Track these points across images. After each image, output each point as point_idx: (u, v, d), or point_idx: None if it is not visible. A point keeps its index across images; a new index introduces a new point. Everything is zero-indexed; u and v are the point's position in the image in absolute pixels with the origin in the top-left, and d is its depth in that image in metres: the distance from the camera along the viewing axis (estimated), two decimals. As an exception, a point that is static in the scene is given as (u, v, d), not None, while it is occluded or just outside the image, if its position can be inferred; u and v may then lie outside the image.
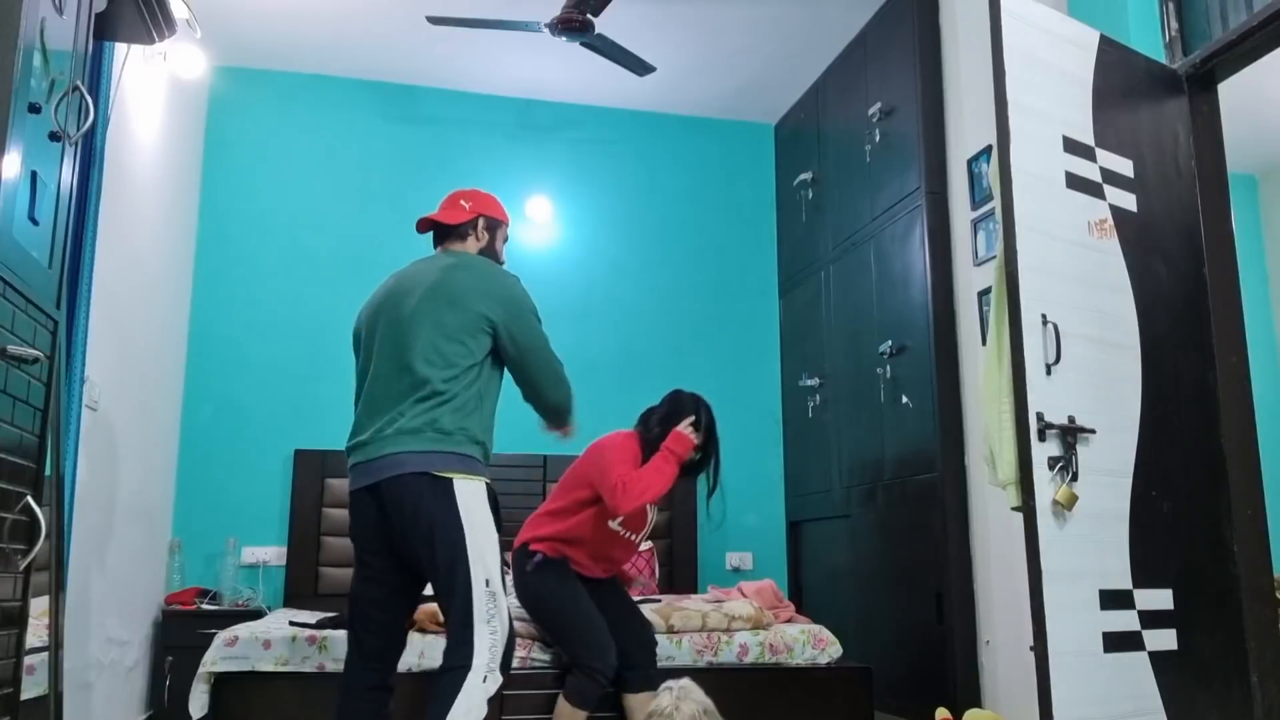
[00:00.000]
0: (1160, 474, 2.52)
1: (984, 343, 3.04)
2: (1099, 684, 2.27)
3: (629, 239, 5.16)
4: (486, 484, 2.44)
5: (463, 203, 2.79)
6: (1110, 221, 2.61)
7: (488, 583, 2.32)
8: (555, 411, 2.65)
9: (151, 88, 3.79)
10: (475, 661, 2.26)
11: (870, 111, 4.20)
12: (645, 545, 4.49)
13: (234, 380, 4.55)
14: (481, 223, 2.77)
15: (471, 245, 2.75)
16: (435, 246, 2.81)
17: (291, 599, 4.34)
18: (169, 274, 4.22)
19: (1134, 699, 2.33)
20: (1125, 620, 2.36)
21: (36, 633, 1.97)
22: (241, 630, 3.19)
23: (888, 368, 3.98)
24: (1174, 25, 3.01)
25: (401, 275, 2.69)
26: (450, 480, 2.35)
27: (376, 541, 2.44)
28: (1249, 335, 2.86)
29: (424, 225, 2.80)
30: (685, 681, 2.79)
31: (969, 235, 3.58)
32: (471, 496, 2.37)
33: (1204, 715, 2.44)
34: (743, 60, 4.79)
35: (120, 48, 3.10)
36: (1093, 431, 2.40)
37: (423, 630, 3.24)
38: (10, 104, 1.57)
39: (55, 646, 2.04)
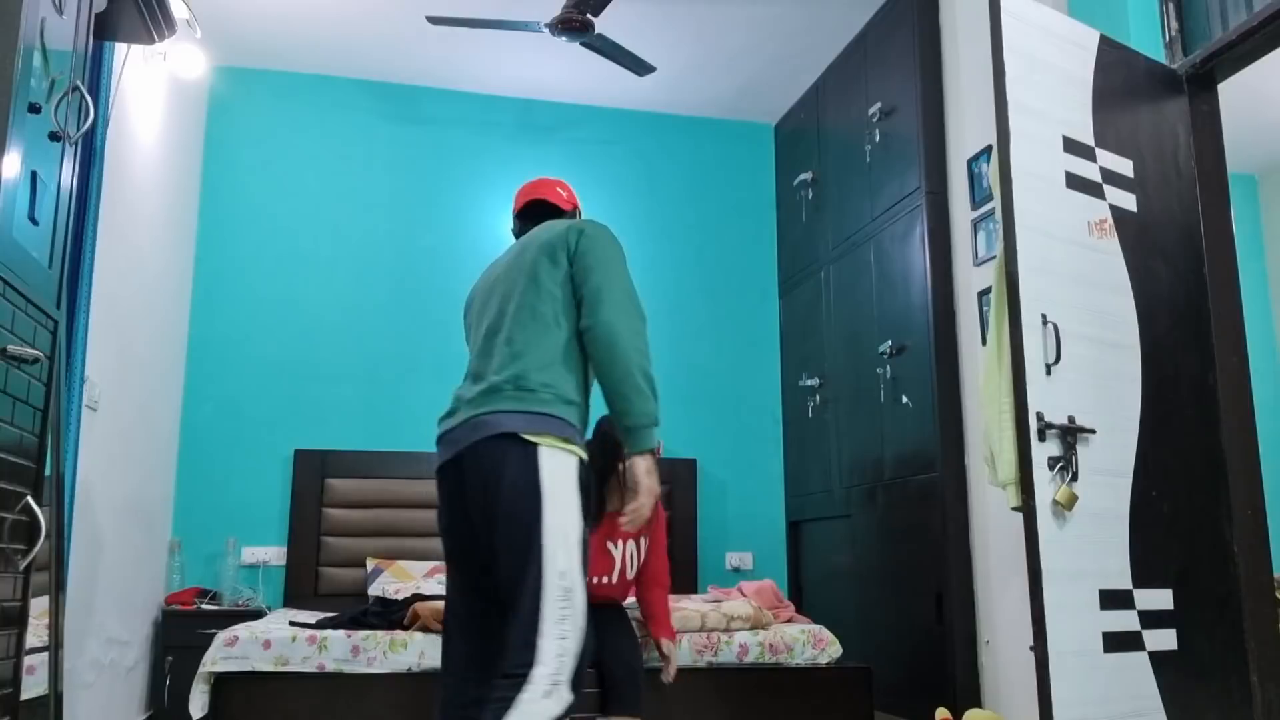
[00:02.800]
0: (1160, 474, 2.52)
1: (984, 343, 3.04)
2: (1099, 684, 2.27)
3: (629, 239, 5.08)
4: (580, 458, 2.04)
5: (559, 190, 2.54)
6: (1110, 221, 2.61)
7: (563, 575, 1.91)
8: (627, 381, 2.05)
9: (151, 88, 3.79)
10: (537, 671, 1.84)
11: (870, 111, 4.20)
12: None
13: (234, 380, 4.55)
14: (579, 216, 2.53)
15: None
16: (520, 235, 2.50)
17: (291, 599, 4.34)
18: (169, 274, 4.22)
19: (1134, 699, 2.33)
20: (1125, 620, 2.36)
21: (36, 633, 1.96)
22: (241, 630, 3.19)
23: (888, 368, 3.98)
24: (1174, 25, 3.01)
25: (499, 258, 2.44)
26: (535, 446, 1.96)
27: (463, 523, 2.07)
28: (1249, 335, 2.86)
29: (528, 203, 2.51)
30: None
31: (969, 235, 3.58)
32: (559, 468, 1.98)
33: (1204, 715, 2.44)
34: (743, 60, 4.79)
35: (120, 48, 3.10)
36: (1093, 431, 2.40)
37: (425, 629, 3.24)
38: (10, 104, 1.58)
39: (55, 646, 2.04)
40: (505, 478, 1.96)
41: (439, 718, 2.10)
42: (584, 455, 2.07)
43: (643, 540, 3.22)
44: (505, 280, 2.26)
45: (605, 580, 3.16)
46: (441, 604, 3.30)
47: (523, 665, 1.85)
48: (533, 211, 2.51)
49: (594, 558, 3.11)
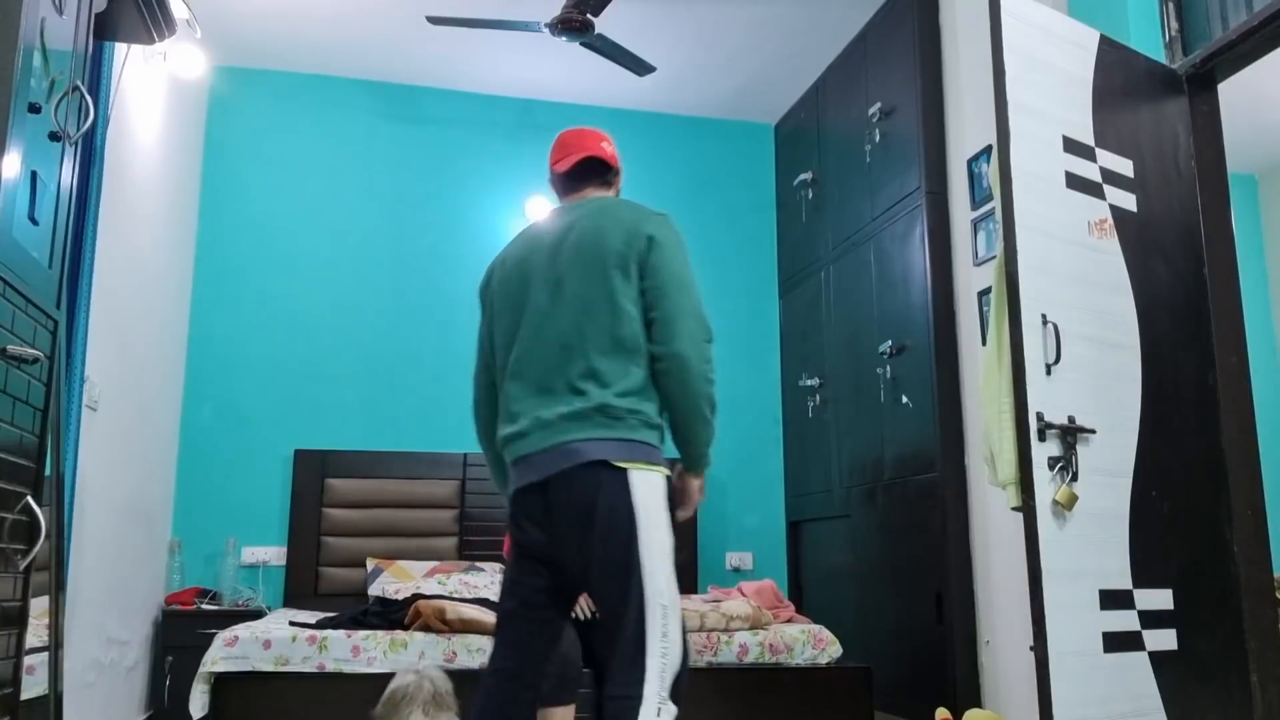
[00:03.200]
0: (1160, 474, 2.52)
1: (984, 343, 3.04)
2: (1099, 684, 2.27)
3: (629, 239, 5.16)
4: (666, 476, 2.08)
5: (604, 145, 2.36)
6: (1110, 221, 2.61)
7: (661, 593, 1.97)
8: (696, 413, 2.11)
9: (151, 88, 3.79)
10: (646, 690, 1.90)
11: (870, 111, 4.20)
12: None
13: (234, 380, 4.55)
14: (620, 175, 2.39)
15: (611, 196, 2.36)
16: (564, 195, 2.36)
17: (291, 599, 4.34)
18: (169, 274, 4.22)
19: (1134, 699, 2.33)
20: (1125, 620, 2.36)
21: (36, 633, 1.96)
22: (241, 630, 3.19)
23: (888, 368, 3.98)
24: (1174, 25, 3.01)
25: (541, 229, 2.26)
26: (625, 472, 2.00)
27: (547, 542, 2.08)
28: (1249, 335, 2.86)
29: (575, 158, 2.33)
30: (424, 665, 2.94)
31: (969, 235, 3.58)
32: (650, 492, 2.02)
33: (1204, 715, 2.44)
34: (743, 60, 4.79)
35: (120, 48, 3.10)
36: (1093, 431, 2.40)
37: (426, 629, 3.24)
38: (10, 104, 1.57)
39: (55, 646, 2.04)
40: (600, 504, 1.99)
41: (478, 715, 2.11)
42: (669, 472, 2.10)
43: None
44: (575, 283, 2.11)
45: None
46: (443, 604, 3.31)
47: (634, 685, 1.90)
48: (582, 170, 2.33)
49: None
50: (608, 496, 1.98)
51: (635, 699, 1.89)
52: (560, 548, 2.05)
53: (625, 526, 1.97)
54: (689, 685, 2.00)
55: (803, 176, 4.90)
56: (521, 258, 2.23)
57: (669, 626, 1.96)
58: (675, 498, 2.12)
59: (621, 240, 2.11)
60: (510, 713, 2.09)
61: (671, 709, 1.92)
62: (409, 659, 3.15)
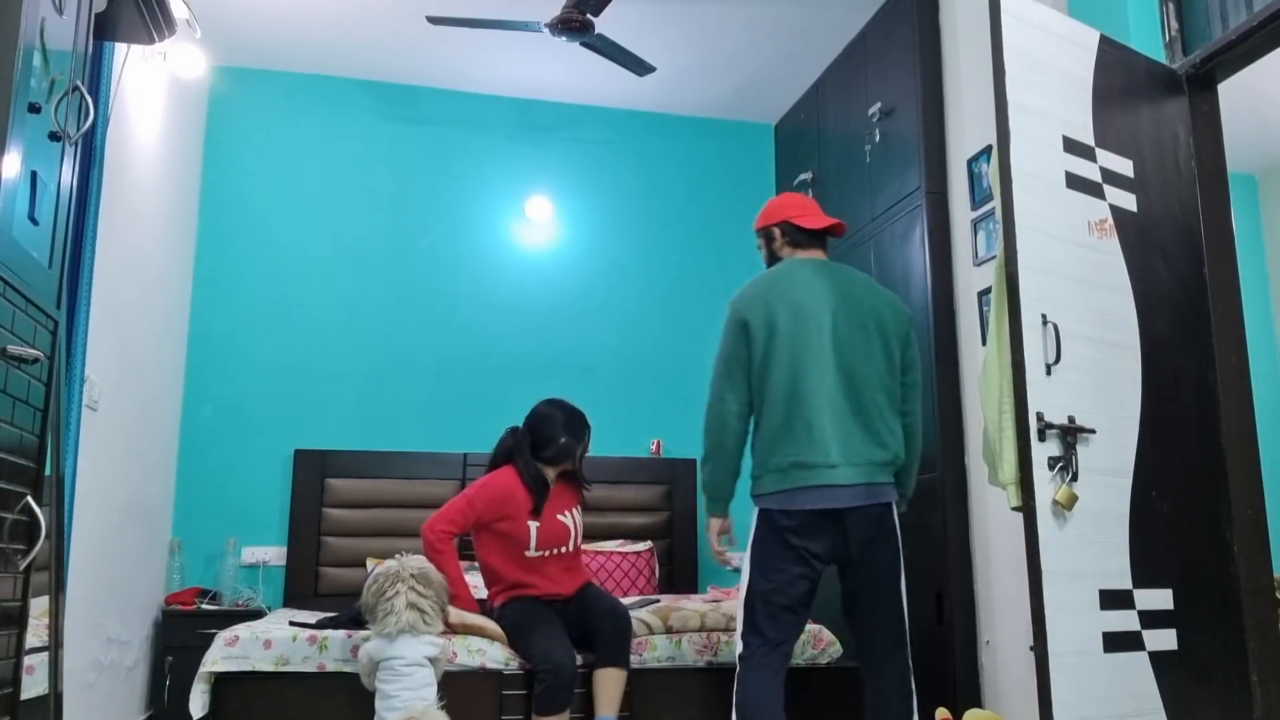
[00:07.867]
0: (1160, 474, 2.52)
1: (984, 343, 3.04)
2: (1099, 684, 2.27)
3: (629, 239, 5.16)
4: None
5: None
6: (1110, 221, 2.61)
7: (905, 592, 2.73)
8: (919, 460, 2.87)
9: (151, 88, 3.79)
10: (909, 661, 2.71)
11: (870, 111, 4.20)
12: (642, 546, 4.48)
13: (234, 380, 4.55)
14: None
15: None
16: (800, 246, 2.87)
17: (291, 599, 4.34)
18: (169, 274, 4.22)
19: (1134, 699, 2.33)
20: (1125, 620, 2.36)
21: (36, 633, 1.96)
22: (241, 630, 3.19)
23: (888, 368, 3.98)
24: (1174, 25, 3.00)
25: (808, 280, 2.76)
26: (892, 506, 2.71)
27: (825, 550, 2.68)
28: (1249, 335, 2.85)
29: (826, 222, 2.88)
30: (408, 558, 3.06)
31: (969, 235, 3.58)
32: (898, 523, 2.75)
33: (1204, 715, 2.44)
34: (743, 60, 4.79)
35: (120, 48, 3.10)
36: (1093, 431, 2.40)
37: (450, 631, 3.22)
38: (10, 104, 1.57)
39: (55, 646, 2.04)
40: (883, 528, 2.69)
41: (767, 680, 2.66)
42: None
43: (579, 511, 3.46)
44: (862, 344, 2.69)
45: (564, 550, 3.33)
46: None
47: (906, 657, 2.70)
48: (824, 233, 2.88)
49: (551, 530, 3.30)
50: (889, 522, 2.70)
51: (909, 669, 2.70)
52: (840, 554, 2.68)
53: (896, 542, 2.71)
54: None
55: (803, 176, 4.90)
56: (801, 303, 2.72)
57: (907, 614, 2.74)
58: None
59: (895, 320, 2.77)
60: (783, 676, 2.69)
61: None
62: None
